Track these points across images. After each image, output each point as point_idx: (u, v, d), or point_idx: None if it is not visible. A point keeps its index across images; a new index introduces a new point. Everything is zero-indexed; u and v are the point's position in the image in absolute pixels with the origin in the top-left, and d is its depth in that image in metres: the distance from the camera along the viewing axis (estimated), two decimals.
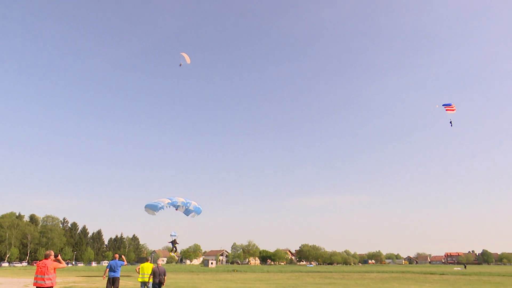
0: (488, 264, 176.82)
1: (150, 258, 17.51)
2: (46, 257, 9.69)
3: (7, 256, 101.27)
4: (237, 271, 61.26)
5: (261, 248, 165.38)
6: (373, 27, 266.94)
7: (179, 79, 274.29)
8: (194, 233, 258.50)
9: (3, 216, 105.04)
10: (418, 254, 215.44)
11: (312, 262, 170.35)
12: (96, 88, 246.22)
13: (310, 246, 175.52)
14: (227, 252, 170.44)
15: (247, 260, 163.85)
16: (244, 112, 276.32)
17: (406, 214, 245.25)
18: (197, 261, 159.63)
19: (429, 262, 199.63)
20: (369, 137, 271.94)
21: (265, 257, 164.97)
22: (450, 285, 27.55)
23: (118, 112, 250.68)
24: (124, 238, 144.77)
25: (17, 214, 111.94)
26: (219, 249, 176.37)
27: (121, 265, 15.51)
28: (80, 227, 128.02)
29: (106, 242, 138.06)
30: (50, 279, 9.43)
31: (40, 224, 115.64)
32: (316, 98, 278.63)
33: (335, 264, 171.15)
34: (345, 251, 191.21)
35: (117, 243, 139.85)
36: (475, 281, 33.86)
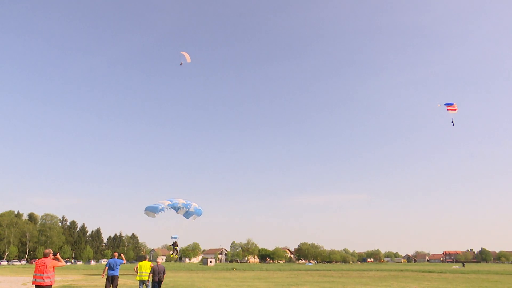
0: (486, 262, 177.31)
1: (148, 257, 17.52)
2: (45, 255, 9.67)
3: (6, 254, 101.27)
4: (236, 269, 61.37)
5: (260, 246, 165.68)
6: (372, 26, 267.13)
7: (179, 78, 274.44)
8: (193, 231, 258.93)
9: (2, 215, 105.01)
10: (416, 252, 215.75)
11: (311, 261, 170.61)
12: (96, 86, 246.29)
13: (309, 244, 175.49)
14: (226, 251, 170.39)
15: (246, 258, 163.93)
16: (242, 111, 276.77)
17: (405, 212, 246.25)
18: (196, 260, 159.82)
19: (428, 261, 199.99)
20: (368, 135, 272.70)
21: (264, 256, 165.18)
22: (448, 283, 27.62)
23: (117, 111, 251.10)
24: (123, 236, 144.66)
25: (16, 213, 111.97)
26: (218, 247, 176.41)
27: (120, 263, 15.55)
28: (79, 226, 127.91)
29: (105, 241, 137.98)
30: (49, 277, 9.42)
31: (39, 222, 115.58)
32: (315, 96, 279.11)
33: (334, 262, 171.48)
34: (344, 250, 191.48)
35: (116, 242, 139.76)
36: (473, 279, 33.96)
